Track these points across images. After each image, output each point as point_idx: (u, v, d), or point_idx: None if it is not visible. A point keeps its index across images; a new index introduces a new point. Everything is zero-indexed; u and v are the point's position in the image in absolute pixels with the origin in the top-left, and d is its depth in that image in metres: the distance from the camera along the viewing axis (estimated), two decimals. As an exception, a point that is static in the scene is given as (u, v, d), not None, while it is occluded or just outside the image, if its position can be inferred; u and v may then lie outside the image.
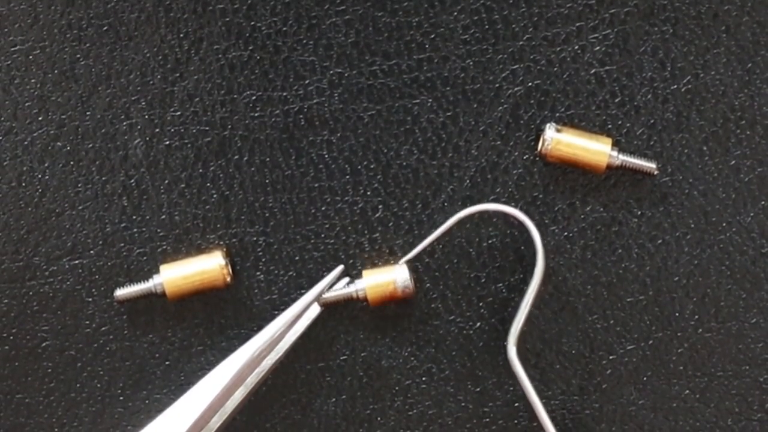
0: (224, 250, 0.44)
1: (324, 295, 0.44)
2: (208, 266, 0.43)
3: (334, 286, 0.44)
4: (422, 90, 0.45)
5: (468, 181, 0.44)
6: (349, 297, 0.44)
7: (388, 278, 0.43)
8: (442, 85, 0.45)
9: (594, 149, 0.43)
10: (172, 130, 0.45)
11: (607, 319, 0.44)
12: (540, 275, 0.42)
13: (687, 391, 0.44)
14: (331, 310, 0.45)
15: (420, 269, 0.44)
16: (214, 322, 0.45)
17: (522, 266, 0.44)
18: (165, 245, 0.45)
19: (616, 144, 0.44)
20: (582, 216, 0.45)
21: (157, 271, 0.44)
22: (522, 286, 0.44)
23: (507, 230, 0.45)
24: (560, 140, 0.43)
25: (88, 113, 0.45)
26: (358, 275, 0.44)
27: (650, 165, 0.43)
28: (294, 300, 0.44)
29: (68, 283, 0.45)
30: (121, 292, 0.44)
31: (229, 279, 0.44)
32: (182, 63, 0.45)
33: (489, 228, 0.44)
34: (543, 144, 0.43)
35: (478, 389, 0.45)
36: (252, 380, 0.43)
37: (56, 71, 0.45)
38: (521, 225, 0.43)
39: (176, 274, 0.43)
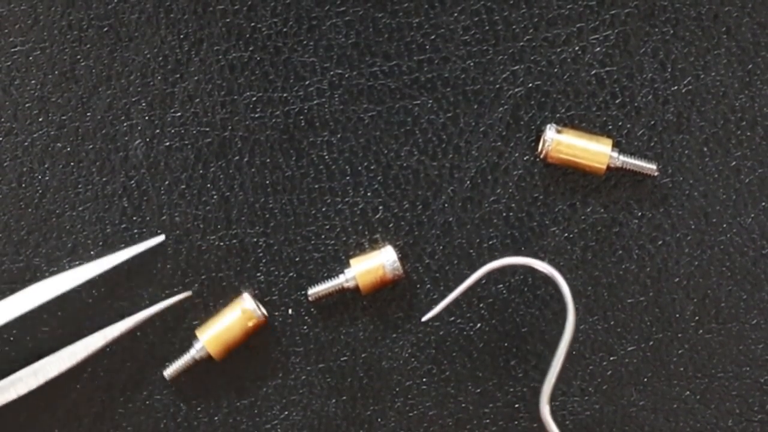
0: (250, 291, 0.44)
1: (314, 289, 0.44)
2: (239, 313, 0.43)
3: (327, 281, 0.44)
4: (422, 91, 0.45)
5: (468, 182, 0.44)
6: (339, 288, 0.44)
7: (376, 263, 0.43)
8: (443, 86, 0.45)
9: (594, 150, 0.43)
10: (173, 131, 0.45)
11: (608, 320, 0.44)
12: (571, 331, 0.41)
13: (687, 392, 0.44)
14: (331, 310, 0.45)
15: (420, 270, 0.44)
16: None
17: (522, 267, 0.44)
18: (165, 246, 0.44)
19: (616, 145, 0.44)
20: (582, 217, 0.45)
21: (194, 336, 0.44)
22: (522, 287, 0.44)
23: (507, 231, 0.45)
24: (560, 141, 0.43)
25: (88, 114, 0.45)
26: (346, 264, 0.44)
27: (650, 166, 0.43)
28: (294, 300, 0.44)
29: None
30: (170, 371, 0.44)
31: (263, 318, 0.44)
32: (183, 64, 0.45)
33: (489, 229, 0.44)
34: (543, 145, 0.43)
35: (478, 390, 0.45)
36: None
37: (56, 72, 0.45)
38: (549, 278, 0.42)
39: (214, 335, 0.43)
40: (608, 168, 0.43)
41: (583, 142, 0.43)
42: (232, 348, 0.43)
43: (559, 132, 0.43)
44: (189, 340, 0.44)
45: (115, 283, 0.45)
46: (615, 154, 0.43)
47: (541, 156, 0.44)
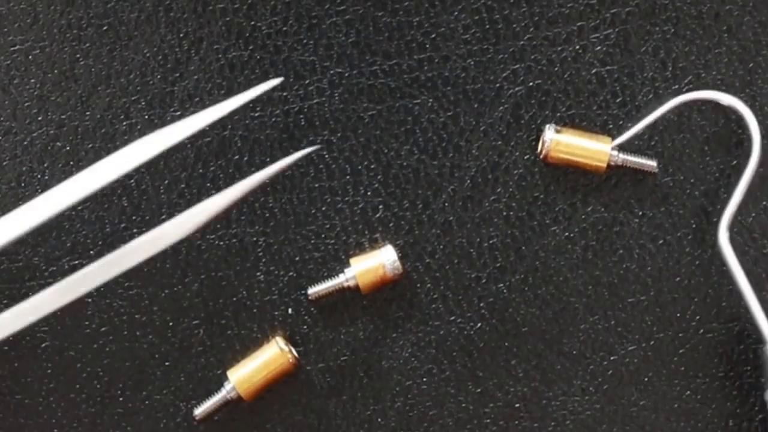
0: (281, 334, 0.44)
1: (314, 289, 0.44)
2: (271, 356, 0.43)
3: (327, 281, 0.44)
4: (423, 90, 0.45)
5: (468, 181, 0.44)
6: (340, 287, 0.44)
7: (376, 262, 0.43)
8: (443, 85, 0.45)
9: (594, 149, 0.43)
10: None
11: (609, 320, 0.44)
12: (757, 158, 0.42)
13: (688, 392, 0.44)
14: (331, 310, 0.45)
15: (420, 269, 0.44)
16: (213, 323, 0.45)
17: (523, 267, 0.44)
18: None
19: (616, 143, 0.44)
20: (583, 216, 0.44)
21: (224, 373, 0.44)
22: (523, 286, 0.44)
23: (507, 230, 0.44)
24: (560, 141, 0.43)
25: (87, 113, 0.45)
26: (346, 264, 0.44)
27: (651, 163, 0.43)
28: (294, 300, 0.44)
29: (68, 283, 0.45)
30: (199, 411, 0.44)
31: (293, 360, 0.44)
32: (182, 63, 0.45)
33: (490, 228, 0.44)
34: (543, 146, 0.43)
35: (478, 390, 0.45)
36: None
37: (56, 71, 0.45)
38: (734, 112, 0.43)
39: (245, 375, 0.43)
40: (608, 166, 0.43)
41: (582, 141, 0.43)
42: (262, 390, 0.44)
43: (558, 132, 0.43)
44: (188, 340, 0.44)
45: (115, 282, 0.45)
46: (615, 153, 0.43)
47: (541, 156, 0.44)
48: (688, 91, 0.44)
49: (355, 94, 0.45)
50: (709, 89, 0.44)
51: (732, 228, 0.44)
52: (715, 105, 0.44)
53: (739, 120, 0.43)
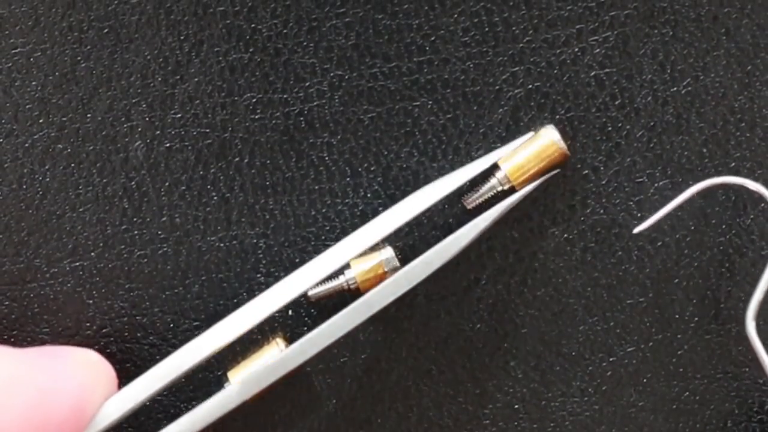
0: (281, 335, 0.45)
1: (313, 291, 0.44)
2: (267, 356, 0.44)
3: (327, 282, 0.44)
4: (422, 92, 0.45)
5: (468, 183, 0.44)
6: (340, 289, 0.44)
7: (376, 262, 0.43)
8: (443, 88, 0.45)
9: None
10: (173, 132, 0.45)
11: (607, 321, 0.45)
12: None
13: (687, 393, 0.44)
14: (331, 310, 0.45)
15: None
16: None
17: (522, 267, 0.44)
18: (165, 247, 0.45)
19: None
20: (582, 218, 0.45)
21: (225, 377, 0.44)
22: (522, 288, 0.44)
23: (507, 232, 0.45)
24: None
25: (88, 115, 0.45)
26: (346, 267, 0.44)
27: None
28: (294, 300, 0.45)
29: (69, 285, 0.45)
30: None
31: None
32: (183, 65, 0.45)
33: (489, 230, 0.44)
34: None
35: (477, 391, 0.45)
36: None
37: (57, 73, 0.45)
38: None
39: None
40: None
41: (529, 152, 0.43)
42: (264, 393, 0.44)
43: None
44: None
45: (116, 284, 0.45)
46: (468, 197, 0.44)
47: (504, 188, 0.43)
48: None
49: (355, 97, 0.45)
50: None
51: (726, 234, 0.44)
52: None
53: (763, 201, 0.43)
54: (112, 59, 0.45)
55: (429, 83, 0.45)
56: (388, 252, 0.44)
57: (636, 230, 0.43)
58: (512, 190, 0.43)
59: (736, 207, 0.44)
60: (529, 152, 0.43)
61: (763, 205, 0.44)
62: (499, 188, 0.43)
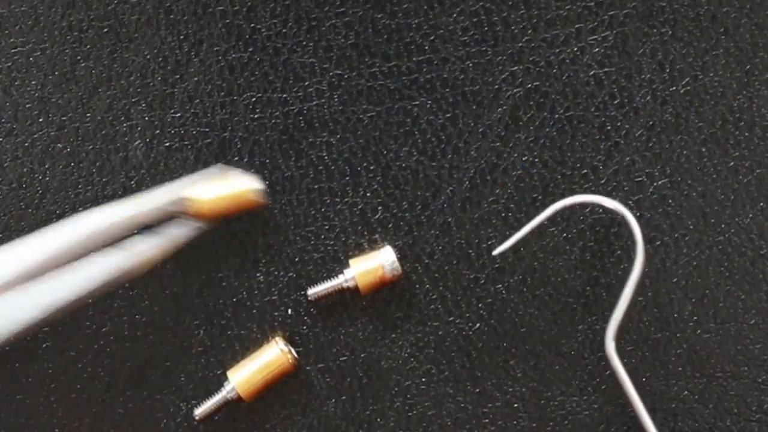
0: (281, 334, 0.45)
1: (314, 290, 0.44)
2: (272, 357, 0.44)
3: (327, 281, 0.44)
4: (422, 91, 0.45)
5: (467, 182, 0.45)
6: (339, 288, 0.44)
7: (375, 263, 0.43)
8: (442, 87, 0.45)
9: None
10: (173, 131, 0.45)
11: (606, 320, 0.44)
12: (640, 269, 0.42)
13: (686, 392, 0.44)
14: (331, 310, 0.45)
15: (419, 270, 0.45)
16: (214, 323, 0.45)
17: (521, 267, 0.45)
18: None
19: None
20: (581, 217, 0.45)
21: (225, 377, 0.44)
22: (521, 287, 0.44)
23: (506, 231, 0.45)
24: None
25: (88, 115, 0.45)
26: (345, 265, 0.44)
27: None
28: (294, 300, 0.45)
29: (69, 284, 0.45)
30: (199, 411, 0.44)
31: (293, 360, 0.44)
32: (182, 65, 0.45)
33: (488, 229, 0.45)
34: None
35: (477, 390, 0.45)
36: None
37: (57, 73, 0.45)
38: (617, 215, 0.43)
39: (245, 376, 0.44)
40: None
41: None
42: (262, 390, 0.44)
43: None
44: (189, 340, 0.45)
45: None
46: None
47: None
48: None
49: (355, 96, 0.45)
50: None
51: (725, 233, 0.44)
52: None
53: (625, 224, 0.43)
54: (111, 59, 0.45)
55: (428, 82, 0.45)
56: (389, 253, 0.44)
57: (495, 252, 0.43)
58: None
59: (735, 207, 0.44)
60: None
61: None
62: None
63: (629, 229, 0.42)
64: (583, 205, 0.44)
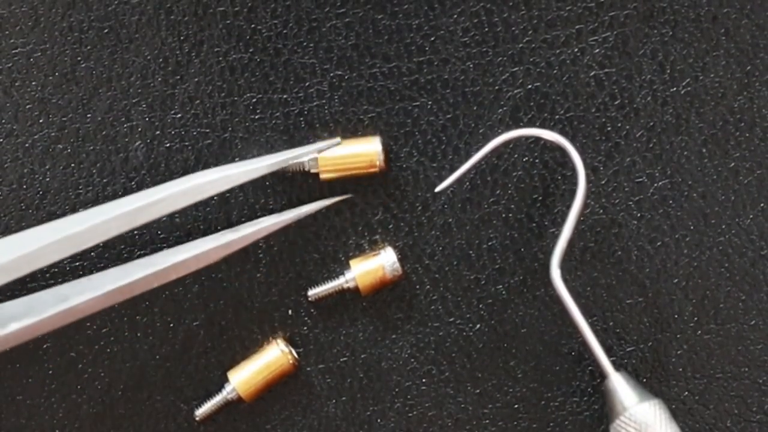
0: (282, 335, 0.45)
1: (314, 290, 0.44)
2: (272, 358, 0.44)
3: (327, 282, 0.44)
4: (422, 92, 0.45)
5: (467, 183, 0.45)
6: (339, 289, 0.44)
7: (376, 264, 0.43)
8: (442, 88, 0.45)
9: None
10: (173, 132, 0.45)
11: (607, 321, 0.45)
12: (582, 196, 0.42)
13: (686, 393, 0.44)
14: (331, 310, 0.45)
15: (420, 271, 0.45)
16: (214, 324, 0.45)
17: (522, 268, 0.45)
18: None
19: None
20: (581, 218, 0.45)
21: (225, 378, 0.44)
22: (521, 287, 0.44)
23: (507, 232, 0.45)
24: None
25: (88, 115, 0.45)
26: (346, 266, 0.44)
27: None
28: (294, 300, 0.45)
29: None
30: (200, 411, 0.44)
31: (293, 361, 0.44)
32: (183, 65, 0.45)
33: (489, 230, 0.45)
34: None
35: (477, 391, 0.45)
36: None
37: (57, 74, 0.45)
38: (559, 148, 0.43)
39: (246, 376, 0.44)
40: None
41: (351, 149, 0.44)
42: (262, 391, 0.44)
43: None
44: (189, 341, 0.45)
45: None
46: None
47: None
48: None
49: (355, 97, 0.45)
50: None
51: (726, 234, 0.44)
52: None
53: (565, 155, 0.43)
54: (112, 59, 0.45)
55: (429, 83, 0.45)
56: (389, 254, 0.44)
57: (438, 189, 0.43)
58: None
59: (735, 207, 0.44)
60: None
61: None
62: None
63: (570, 159, 0.42)
64: (525, 139, 0.44)
